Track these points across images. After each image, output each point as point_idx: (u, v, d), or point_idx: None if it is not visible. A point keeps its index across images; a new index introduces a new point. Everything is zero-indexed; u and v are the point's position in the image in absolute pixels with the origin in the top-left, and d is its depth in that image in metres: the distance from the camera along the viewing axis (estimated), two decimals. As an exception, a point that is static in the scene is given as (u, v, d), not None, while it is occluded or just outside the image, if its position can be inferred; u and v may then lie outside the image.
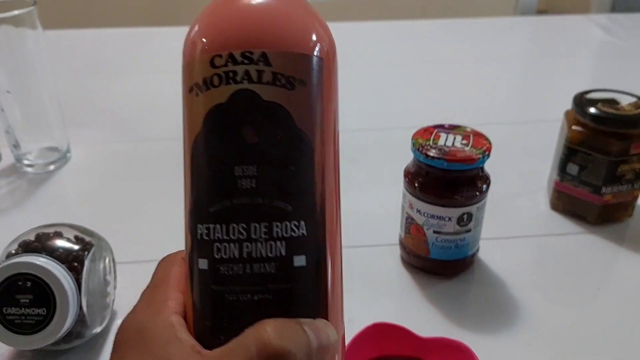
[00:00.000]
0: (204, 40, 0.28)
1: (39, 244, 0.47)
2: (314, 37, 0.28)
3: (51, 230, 0.49)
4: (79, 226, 0.50)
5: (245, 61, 0.27)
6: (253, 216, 0.27)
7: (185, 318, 0.29)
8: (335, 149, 0.29)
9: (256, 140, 0.27)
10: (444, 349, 0.44)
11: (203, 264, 0.28)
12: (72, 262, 0.47)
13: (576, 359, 0.49)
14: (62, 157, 0.77)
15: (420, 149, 0.52)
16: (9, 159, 0.77)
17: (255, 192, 0.27)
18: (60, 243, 0.48)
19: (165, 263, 0.32)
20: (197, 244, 0.28)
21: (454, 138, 0.53)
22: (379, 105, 0.95)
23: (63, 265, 0.45)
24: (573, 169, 0.62)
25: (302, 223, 0.27)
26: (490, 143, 0.52)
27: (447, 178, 0.52)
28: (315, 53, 0.28)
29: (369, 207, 0.68)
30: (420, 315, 0.53)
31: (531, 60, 1.16)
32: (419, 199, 0.53)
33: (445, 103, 0.94)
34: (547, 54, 1.16)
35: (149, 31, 1.26)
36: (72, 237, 0.49)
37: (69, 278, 0.45)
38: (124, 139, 0.84)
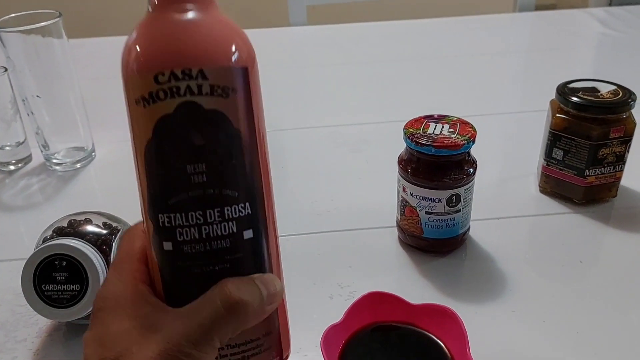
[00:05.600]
0: (144, 58, 0.32)
1: (71, 229, 0.53)
2: (239, 51, 0.33)
3: (82, 217, 0.55)
4: (106, 213, 0.56)
5: (186, 77, 0.32)
6: (207, 204, 0.33)
7: (151, 287, 0.35)
8: (263, 139, 0.35)
9: (202, 143, 0.32)
10: (432, 314, 0.49)
11: (168, 245, 0.34)
12: (102, 245, 0.52)
13: (557, 324, 0.53)
14: (87, 156, 0.83)
15: (411, 138, 0.57)
16: (38, 158, 0.84)
17: (207, 184, 0.33)
18: (90, 228, 0.54)
19: (128, 237, 0.38)
20: (160, 230, 0.34)
21: (442, 127, 0.58)
22: (378, 100, 1.01)
23: (94, 247, 0.51)
24: (558, 153, 0.67)
25: (247, 204, 0.34)
26: (475, 130, 0.57)
27: (436, 163, 0.57)
28: (241, 64, 0.33)
29: (369, 193, 0.73)
30: (416, 288, 0.58)
31: (530, 54, 1.20)
32: (411, 182, 0.58)
33: (445, 97, 1.00)
34: (546, 48, 1.21)
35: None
36: (100, 224, 0.55)
37: (99, 258, 0.50)
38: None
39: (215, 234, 0.33)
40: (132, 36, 0.34)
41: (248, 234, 0.34)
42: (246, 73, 0.33)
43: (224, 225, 0.33)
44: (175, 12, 0.33)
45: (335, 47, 1.26)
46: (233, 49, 0.33)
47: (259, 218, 0.35)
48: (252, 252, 0.35)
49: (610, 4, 1.39)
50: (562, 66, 1.10)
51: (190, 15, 0.33)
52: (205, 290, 0.33)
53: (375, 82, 1.08)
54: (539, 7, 1.41)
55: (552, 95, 0.69)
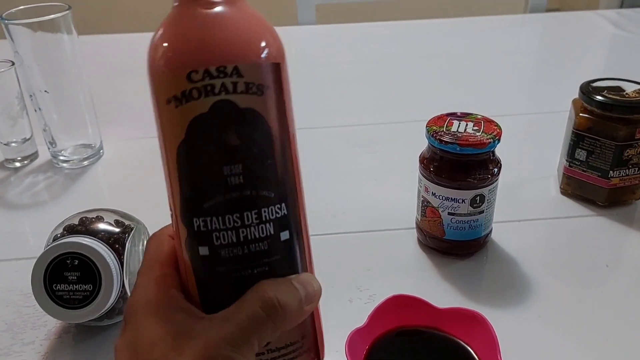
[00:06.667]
0: (176, 55, 0.31)
1: (82, 227, 0.51)
2: (271, 46, 0.32)
3: (93, 215, 0.53)
4: (119, 211, 0.54)
5: (221, 75, 0.30)
6: (244, 206, 0.32)
7: (183, 292, 0.34)
8: (294, 137, 0.34)
9: (238, 143, 0.31)
10: (459, 318, 0.47)
11: (204, 250, 0.32)
12: (114, 244, 0.50)
13: (583, 329, 0.52)
14: (95, 153, 0.81)
15: (434, 135, 0.55)
16: (45, 155, 0.82)
17: (244, 186, 0.31)
18: (102, 226, 0.52)
19: (154, 242, 0.36)
20: (195, 235, 0.32)
21: (466, 124, 0.56)
22: (395, 100, 0.99)
23: (107, 246, 0.49)
24: (581, 154, 0.65)
25: (283, 205, 0.33)
26: (500, 129, 0.55)
27: (460, 162, 0.55)
28: (274, 60, 0.32)
29: (387, 194, 0.71)
30: (436, 291, 0.56)
31: (543, 55, 1.18)
32: (434, 182, 0.56)
33: (457, 98, 0.98)
34: (558, 48, 1.19)
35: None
36: (112, 221, 0.53)
37: (112, 257, 0.48)
38: (152, 134, 0.88)
39: (253, 237, 0.32)
40: (159, 32, 0.32)
41: (285, 235, 0.33)
42: (278, 69, 0.32)
43: (262, 228, 0.32)
44: (204, 6, 0.31)
45: (344, 47, 1.24)
46: (266, 44, 0.31)
47: (294, 218, 0.34)
48: (289, 253, 0.34)
49: (621, 6, 1.38)
50: (576, 67, 1.08)
51: (220, 8, 0.31)
52: (243, 294, 0.32)
53: (386, 82, 1.06)
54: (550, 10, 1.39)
55: (568, 96, 0.67)
